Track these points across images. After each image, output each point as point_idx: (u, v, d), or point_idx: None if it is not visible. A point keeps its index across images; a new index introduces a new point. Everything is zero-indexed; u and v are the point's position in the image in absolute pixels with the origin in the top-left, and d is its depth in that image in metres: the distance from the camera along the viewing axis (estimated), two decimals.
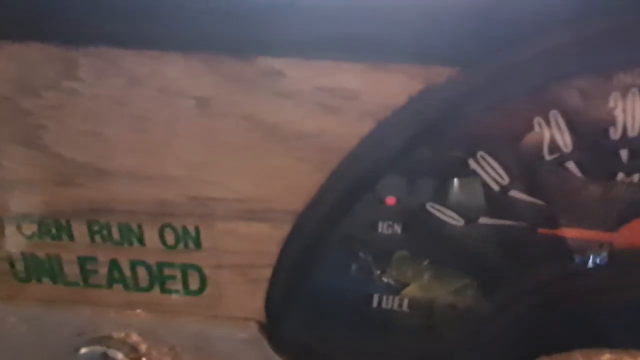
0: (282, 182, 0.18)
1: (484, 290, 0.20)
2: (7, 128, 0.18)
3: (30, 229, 0.20)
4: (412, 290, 0.21)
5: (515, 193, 0.18)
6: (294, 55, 0.16)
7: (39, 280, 0.21)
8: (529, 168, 0.17)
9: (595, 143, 0.16)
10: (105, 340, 0.21)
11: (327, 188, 0.17)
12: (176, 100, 0.17)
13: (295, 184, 0.18)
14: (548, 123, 0.16)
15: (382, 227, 0.19)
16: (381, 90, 0.16)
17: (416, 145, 0.17)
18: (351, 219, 0.19)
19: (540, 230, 0.18)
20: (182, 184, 0.18)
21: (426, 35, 0.15)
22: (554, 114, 0.16)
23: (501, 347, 0.19)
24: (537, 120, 0.16)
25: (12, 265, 0.21)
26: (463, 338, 0.20)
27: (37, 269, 0.21)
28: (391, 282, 0.20)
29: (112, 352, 0.21)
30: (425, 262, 0.20)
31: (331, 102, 0.16)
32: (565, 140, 0.16)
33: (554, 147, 0.17)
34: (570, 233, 0.18)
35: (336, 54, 0.15)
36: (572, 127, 0.16)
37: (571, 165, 0.17)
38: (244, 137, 0.17)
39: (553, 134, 0.16)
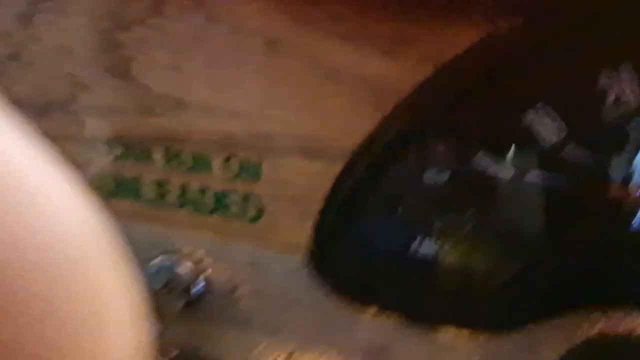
0: (340, 122, 0.19)
1: (528, 248, 0.21)
2: (101, 58, 0.21)
3: (116, 150, 0.23)
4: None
5: (571, 148, 0.18)
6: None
7: (123, 197, 0.24)
8: (590, 123, 0.17)
9: None
10: (174, 253, 0.24)
11: (380, 130, 0.18)
12: (248, 40, 0.18)
13: (351, 124, 0.19)
14: (615, 76, 0.16)
15: (430, 174, 0.20)
16: (441, 37, 0.16)
17: (472, 93, 0.17)
18: (400, 163, 0.20)
19: (592, 187, 0.18)
20: (248, 119, 0.20)
21: None
22: (623, 67, 0.16)
23: (543, 296, 0.20)
24: (604, 73, 0.16)
25: (102, 181, 0.24)
26: (502, 285, 0.21)
27: (122, 187, 0.24)
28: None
29: (180, 263, 0.24)
30: (468, 214, 0.21)
31: (391, 47, 0.17)
32: (633, 95, 0.16)
33: (619, 102, 0.16)
34: (622, 192, 0.18)
35: None
36: None
37: (637, 122, 0.17)
38: (307, 77, 0.19)
39: (621, 87, 0.16)
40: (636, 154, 0.18)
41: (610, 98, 0.16)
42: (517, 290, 0.21)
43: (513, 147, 0.18)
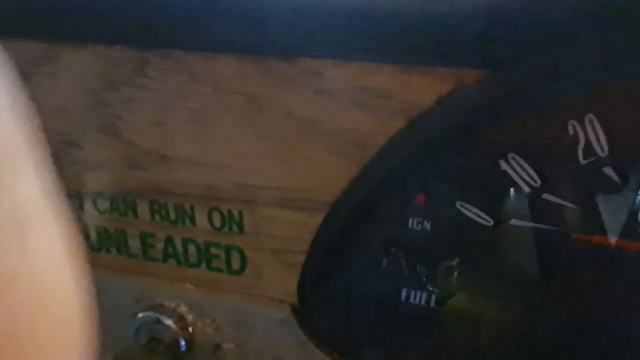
0: (318, 174, 0.19)
1: (518, 298, 0.20)
2: (90, 117, 0.21)
3: (103, 205, 0.23)
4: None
5: (548, 196, 0.18)
6: (332, 56, 0.17)
7: (108, 251, 0.24)
8: (563, 172, 0.17)
9: (633, 147, 0.16)
10: (158, 308, 0.24)
11: (359, 182, 0.19)
12: (228, 97, 0.19)
13: (330, 176, 0.19)
14: (583, 127, 0.16)
15: (413, 224, 0.20)
16: (413, 90, 0.17)
17: (446, 144, 0.17)
18: (381, 213, 0.20)
19: (575, 235, 0.18)
20: (230, 172, 0.21)
21: (456, 39, 0.15)
22: (589, 118, 0.16)
23: (528, 352, 0.19)
24: (572, 123, 0.16)
25: (87, 236, 0.24)
26: (490, 340, 0.20)
27: (107, 240, 0.24)
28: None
29: (163, 319, 0.23)
30: (455, 262, 0.20)
31: (366, 101, 0.18)
32: (601, 145, 0.16)
33: (589, 151, 0.16)
34: (605, 240, 0.17)
35: (372, 56, 0.17)
36: (609, 132, 0.16)
37: (608, 171, 0.17)
38: (286, 131, 0.19)
39: (588, 137, 0.16)
40: (631, 204, 0.17)
41: (581, 147, 0.16)
42: (508, 346, 0.20)
43: (512, 192, 0.18)
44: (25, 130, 0.08)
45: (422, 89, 0.17)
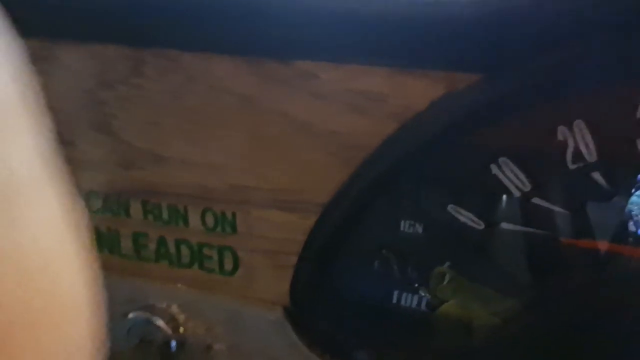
0: (312, 175, 0.19)
1: (508, 300, 0.20)
2: (85, 115, 0.21)
3: (95, 204, 0.23)
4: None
5: (537, 200, 0.18)
6: (327, 59, 0.17)
7: (100, 251, 0.24)
8: (551, 176, 0.17)
9: (621, 153, 0.16)
10: (150, 308, 0.23)
11: (352, 184, 0.19)
12: (223, 97, 0.19)
13: (323, 177, 0.19)
14: (572, 132, 0.16)
15: (404, 226, 0.20)
16: (406, 93, 0.17)
17: (437, 147, 0.18)
18: (373, 215, 0.20)
19: (564, 240, 0.18)
20: (224, 173, 0.21)
21: (449, 43, 0.15)
22: (577, 124, 0.16)
23: (518, 354, 0.19)
24: (561, 128, 0.17)
25: None
26: (481, 343, 0.20)
27: (99, 240, 0.24)
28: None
29: (155, 320, 0.23)
30: (446, 265, 0.20)
31: (359, 103, 0.18)
32: (589, 150, 0.16)
33: (577, 156, 0.17)
34: (594, 244, 0.18)
35: (365, 58, 0.17)
36: (597, 137, 0.16)
37: (597, 176, 0.17)
38: (280, 132, 0.19)
39: (577, 142, 0.17)
40: (620, 209, 0.18)
41: (569, 151, 0.17)
42: (498, 349, 0.20)
43: (502, 196, 0.18)
44: (23, 90, 0.07)
45: (415, 92, 0.17)
